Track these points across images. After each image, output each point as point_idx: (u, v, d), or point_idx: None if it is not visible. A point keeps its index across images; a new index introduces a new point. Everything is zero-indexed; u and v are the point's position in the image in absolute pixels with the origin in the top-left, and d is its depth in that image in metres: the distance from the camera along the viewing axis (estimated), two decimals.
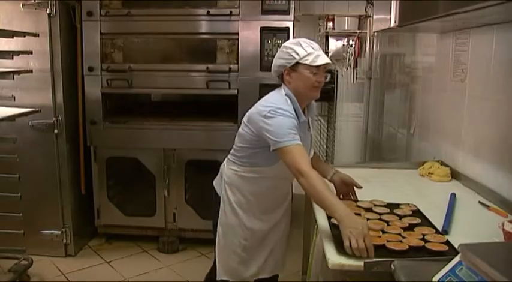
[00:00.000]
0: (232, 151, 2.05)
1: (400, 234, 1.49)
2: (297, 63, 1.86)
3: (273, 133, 1.77)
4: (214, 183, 2.14)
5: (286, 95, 1.91)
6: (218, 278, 2.08)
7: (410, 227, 1.57)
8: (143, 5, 3.20)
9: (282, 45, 1.94)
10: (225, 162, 2.09)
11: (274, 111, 1.80)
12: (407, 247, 1.38)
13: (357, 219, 1.50)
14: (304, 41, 1.89)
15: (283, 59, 1.90)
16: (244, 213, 2.02)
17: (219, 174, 2.12)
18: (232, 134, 3.22)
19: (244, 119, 1.97)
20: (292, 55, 1.86)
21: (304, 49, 1.86)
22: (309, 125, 2.03)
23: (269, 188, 2.02)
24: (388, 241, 1.42)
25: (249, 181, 1.98)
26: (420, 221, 1.63)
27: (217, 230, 2.07)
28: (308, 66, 1.85)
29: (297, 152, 1.72)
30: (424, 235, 1.48)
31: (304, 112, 1.94)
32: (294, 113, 1.84)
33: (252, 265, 2.07)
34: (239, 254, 2.05)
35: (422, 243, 1.41)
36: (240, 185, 2.01)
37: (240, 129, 2.00)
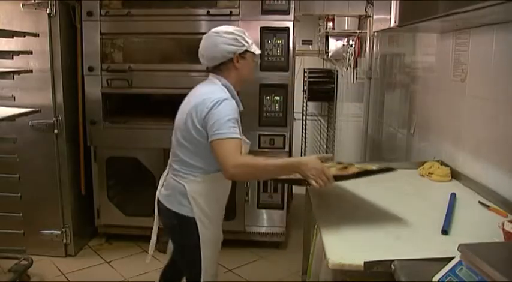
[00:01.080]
0: (179, 166, 1.90)
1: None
2: (246, 50, 1.89)
3: (218, 124, 1.73)
4: (170, 205, 1.92)
5: (223, 85, 1.90)
6: None
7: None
8: (143, 5, 3.21)
9: (221, 31, 1.87)
10: (173, 179, 1.92)
11: (219, 102, 1.78)
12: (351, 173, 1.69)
13: (310, 160, 1.65)
14: (242, 29, 1.93)
15: (233, 46, 1.86)
16: (219, 219, 2.00)
17: (169, 195, 1.94)
18: None
19: (183, 122, 1.85)
20: (241, 42, 1.87)
21: (248, 38, 1.91)
22: None
23: (228, 188, 2.01)
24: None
25: (217, 186, 1.91)
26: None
27: (201, 247, 1.89)
28: (253, 54, 1.92)
29: (234, 145, 1.71)
30: None
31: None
32: (234, 102, 1.85)
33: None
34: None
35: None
36: (209, 192, 1.89)
37: (182, 140, 1.87)
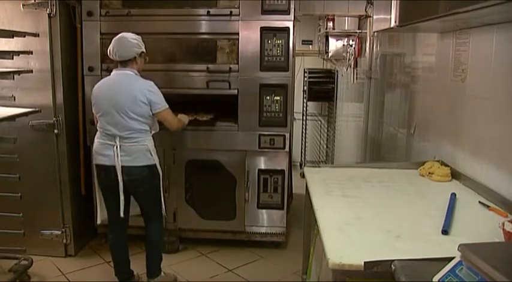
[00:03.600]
0: (136, 135, 2.62)
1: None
2: (142, 51, 2.69)
3: (158, 99, 2.65)
4: (140, 163, 2.64)
5: (138, 75, 2.69)
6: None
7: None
8: (143, 5, 3.21)
9: (126, 37, 2.63)
10: (135, 145, 2.63)
11: (152, 87, 2.66)
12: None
13: (182, 116, 2.99)
14: (138, 36, 2.70)
15: (139, 48, 2.65)
16: None
17: (136, 157, 2.63)
18: (233, 134, 3.27)
19: (133, 103, 2.58)
20: (141, 46, 2.67)
21: (142, 42, 2.69)
22: None
23: None
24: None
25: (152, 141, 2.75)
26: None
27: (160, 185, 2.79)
28: (144, 53, 2.73)
29: (170, 111, 2.73)
30: None
31: None
32: None
33: None
34: None
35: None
36: (153, 145, 2.73)
37: (135, 115, 2.59)
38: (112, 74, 2.70)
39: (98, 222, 2.91)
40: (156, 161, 2.71)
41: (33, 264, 2.97)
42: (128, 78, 2.65)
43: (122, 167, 2.60)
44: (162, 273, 2.91)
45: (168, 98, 3.54)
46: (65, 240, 3.28)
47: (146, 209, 2.82)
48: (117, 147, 2.59)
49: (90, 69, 3.25)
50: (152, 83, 2.67)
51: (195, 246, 3.46)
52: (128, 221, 2.83)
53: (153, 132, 2.74)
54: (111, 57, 2.66)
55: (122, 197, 2.64)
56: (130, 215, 2.84)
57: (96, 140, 2.71)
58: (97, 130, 2.71)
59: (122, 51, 2.61)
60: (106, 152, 2.63)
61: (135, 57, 2.65)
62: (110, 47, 2.63)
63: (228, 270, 3.17)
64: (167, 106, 2.68)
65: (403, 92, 3.20)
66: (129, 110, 2.58)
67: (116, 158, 2.60)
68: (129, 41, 2.62)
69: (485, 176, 1.98)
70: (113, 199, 2.69)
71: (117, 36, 2.64)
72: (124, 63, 2.65)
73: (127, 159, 2.61)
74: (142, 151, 2.64)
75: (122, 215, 2.67)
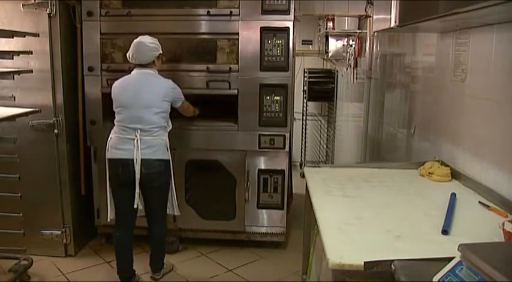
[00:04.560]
0: (157, 129, 2.77)
1: None
2: (160, 53, 2.84)
3: (179, 95, 2.89)
4: (159, 156, 2.77)
5: (158, 74, 2.86)
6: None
7: None
8: (143, 5, 3.21)
9: (144, 42, 2.77)
10: (155, 139, 2.76)
11: (174, 86, 2.86)
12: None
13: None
14: (155, 39, 2.86)
15: (157, 51, 2.80)
16: None
17: (156, 150, 2.76)
18: (233, 134, 3.27)
19: (159, 100, 2.76)
20: (158, 48, 2.82)
21: (159, 45, 2.84)
22: None
23: None
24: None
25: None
26: None
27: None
28: (162, 54, 2.88)
29: (186, 102, 2.99)
30: None
31: None
32: None
33: None
34: None
35: None
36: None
37: (159, 110, 2.76)
38: (133, 72, 2.81)
39: (109, 219, 2.91)
40: (169, 157, 2.85)
41: (33, 264, 2.97)
42: (151, 76, 2.80)
43: (141, 160, 2.69)
44: (164, 265, 3.02)
45: None
46: (65, 240, 3.28)
47: (154, 205, 2.86)
48: (137, 141, 2.69)
49: (90, 69, 3.25)
50: (172, 81, 2.84)
51: (195, 246, 3.46)
52: (135, 219, 2.87)
53: (168, 129, 2.86)
54: (130, 61, 2.79)
55: (137, 189, 2.71)
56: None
57: (113, 135, 2.79)
58: (113, 125, 2.82)
59: (141, 57, 2.76)
60: (124, 146, 2.72)
61: (154, 61, 2.80)
62: (129, 52, 2.76)
63: (228, 270, 3.17)
64: (184, 98, 2.92)
65: (403, 92, 3.20)
66: (155, 106, 2.73)
67: (136, 150, 2.69)
68: (147, 45, 2.75)
69: (485, 176, 1.98)
70: (126, 194, 2.74)
71: (135, 41, 2.76)
72: (143, 66, 2.79)
73: (147, 152, 2.71)
74: (161, 145, 2.77)
75: (135, 206, 2.73)
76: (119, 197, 2.82)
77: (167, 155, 2.81)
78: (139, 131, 2.71)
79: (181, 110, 2.98)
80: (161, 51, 2.83)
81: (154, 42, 2.81)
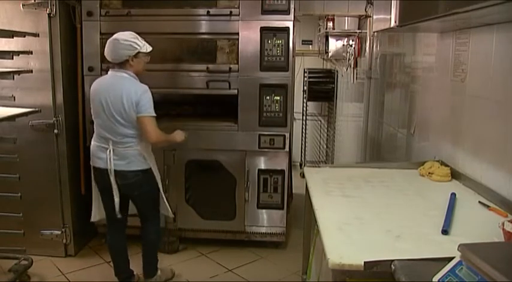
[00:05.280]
0: (127, 139, 2.57)
1: None
2: (138, 52, 2.54)
3: (145, 103, 2.50)
4: (133, 168, 2.61)
5: (133, 77, 2.58)
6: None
7: None
8: (143, 5, 3.21)
9: (120, 39, 2.51)
10: (127, 150, 2.59)
11: (144, 92, 2.53)
12: None
13: (177, 133, 2.81)
14: (135, 35, 2.57)
15: (131, 50, 2.51)
16: (155, 167, 2.76)
17: (129, 162, 2.60)
18: (233, 134, 3.27)
19: (127, 109, 2.51)
20: (134, 46, 2.52)
21: (140, 41, 2.55)
22: None
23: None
24: None
25: (148, 145, 2.67)
26: None
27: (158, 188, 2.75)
28: (145, 53, 2.58)
29: (154, 121, 2.56)
30: None
31: None
32: None
33: None
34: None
35: None
36: (147, 149, 2.67)
37: (124, 121, 2.53)
38: (108, 73, 2.64)
39: (92, 219, 2.89)
40: (152, 164, 2.68)
41: (33, 264, 2.97)
42: (120, 81, 2.56)
43: (115, 171, 2.57)
44: (159, 271, 2.91)
45: (167, 98, 3.54)
46: (65, 240, 3.28)
47: (143, 211, 2.79)
48: (110, 151, 2.56)
49: (90, 69, 3.25)
50: (146, 87, 2.55)
51: (195, 246, 3.46)
52: (126, 221, 2.83)
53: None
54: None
55: (116, 199, 2.61)
56: (128, 214, 2.83)
57: (92, 142, 2.71)
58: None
59: (113, 54, 2.54)
60: (101, 154, 2.61)
61: (127, 60, 2.54)
62: (105, 49, 2.59)
63: (228, 270, 3.17)
64: (153, 114, 2.53)
65: (403, 92, 3.20)
66: (119, 117, 2.52)
67: (108, 161, 2.56)
68: (120, 43, 2.51)
69: (485, 176, 1.98)
70: (109, 200, 2.66)
71: (111, 38, 2.55)
72: (118, 65, 2.58)
73: (121, 164, 2.58)
74: (136, 156, 2.59)
75: (118, 216, 2.64)
76: (105, 202, 2.75)
77: (145, 164, 2.62)
78: (111, 141, 2.57)
79: (142, 126, 2.52)
80: (142, 50, 2.54)
81: (131, 40, 2.52)
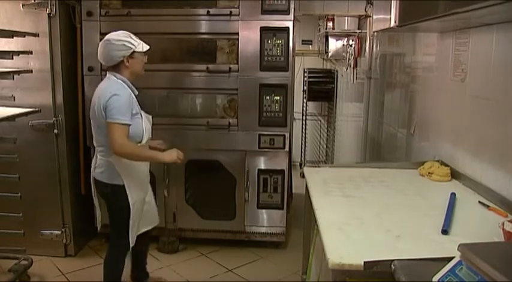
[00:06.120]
0: (103, 148, 2.40)
1: None
2: (133, 51, 2.34)
3: (114, 108, 2.25)
4: (104, 179, 2.42)
5: (119, 79, 2.36)
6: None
7: None
8: (143, 5, 3.21)
9: (112, 39, 2.31)
10: (102, 159, 2.41)
11: (112, 96, 2.26)
12: None
13: (169, 152, 2.48)
14: (128, 33, 2.37)
15: (121, 51, 2.31)
16: (142, 184, 2.54)
17: (102, 172, 2.42)
18: (233, 134, 3.27)
19: (99, 113, 2.30)
20: (128, 46, 2.32)
21: (135, 40, 2.36)
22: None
23: None
24: None
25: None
26: None
27: (130, 207, 2.39)
28: (141, 52, 2.38)
29: (122, 128, 2.25)
30: None
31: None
32: (129, 91, 2.36)
33: None
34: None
35: None
36: (128, 163, 2.37)
37: (97, 127, 2.36)
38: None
39: (98, 225, 2.78)
40: (127, 182, 2.36)
41: (33, 264, 2.97)
42: (103, 84, 2.39)
43: (92, 178, 2.51)
44: None
45: (167, 98, 3.53)
46: (64, 240, 3.28)
47: (110, 228, 2.53)
48: (94, 157, 2.50)
49: (90, 69, 3.25)
50: (118, 91, 2.29)
51: (195, 246, 3.46)
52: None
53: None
54: None
55: (96, 205, 2.58)
56: None
57: None
58: None
59: (106, 56, 2.34)
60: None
61: (122, 61, 2.34)
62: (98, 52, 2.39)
63: (228, 270, 3.17)
64: (121, 121, 2.24)
65: (403, 92, 3.20)
66: (93, 122, 2.39)
67: (92, 167, 2.52)
68: (113, 43, 2.31)
69: (485, 176, 1.98)
70: None
71: (102, 40, 2.36)
72: (112, 68, 2.38)
73: (96, 172, 2.46)
74: (107, 166, 2.38)
75: (96, 224, 2.57)
76: None
77: (116, 179, 2.36)
78: (94, 147, 2.48)
79: (108, 135, 2.26)
80: (138, 49, 2.35)
81: (124, 39, 2.32)
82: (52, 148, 3.18)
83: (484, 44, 2.00)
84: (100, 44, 2.36)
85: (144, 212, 2.54)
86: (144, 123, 2.40)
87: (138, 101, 2.43)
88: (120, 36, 2.33)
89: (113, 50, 2.31)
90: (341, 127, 5.07)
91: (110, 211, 2.49)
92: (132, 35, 2.38)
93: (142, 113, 2.44)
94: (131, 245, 2.46)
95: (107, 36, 2.35)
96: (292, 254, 3.33)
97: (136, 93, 2.43)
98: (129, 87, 2.38)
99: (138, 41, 2.39)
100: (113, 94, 2.26)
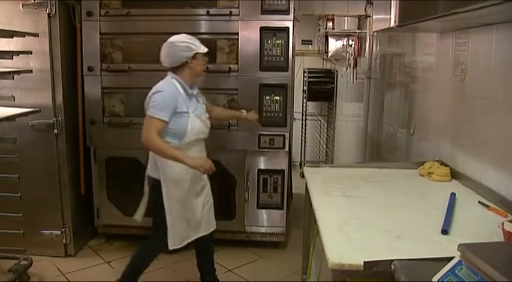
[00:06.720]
0: None
1: None
2: (196, 53, 2.43)
3: (153, 105, 2.36)
4: (149, 172, 2.53)
5: (173, 78, 2.45)
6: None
7: None
8: (143, 5, 3.21)
9: (176, 41, 2.42)
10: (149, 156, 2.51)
11: (155, 92, 2.39)
12: None
13: (194, 158, 2.40)
14: (190, 36, 2.47)
15: (186, 52, 2.41)
16: (186, 183, 2.55)
17: (151, 165, 2.52)
18: (233, 134, 3.27)
19: (145, 108, 2.42)
20: (192, 48, 2.42)
21: (197, 42, 2.46)
22: (196, 97, 2.56)
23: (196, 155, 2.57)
24: None
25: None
26: None
27: (165, 207, 2.46)
28: (202, 54, 2.47)
29: (155, 123, 2.34)
30: None
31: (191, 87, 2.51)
32: (182, 90, 2.43)
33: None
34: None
35: None
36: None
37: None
38: None
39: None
40: (164, 180, 2.44)
41: (33, 264, 2.97)
42: (158, 83, 2.48)
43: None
44: None
45: None
46: (64, 240, 3.28)
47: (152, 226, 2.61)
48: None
49: (90, 69, 3.25)
50: (165, 88, 2.41)
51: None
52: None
53: (176, 142, 2.43)
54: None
55: (143, 202, 2.58)
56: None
57: None
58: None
59: (170, 58, 2.44)
60: None
61: (186, 62, 2.43)
62: (161, 54, 2.48)
63: (228, 270, 3.17)
64: (156, 116, 2.34)
65: (402, 92, 3.21)
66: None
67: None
68: (177, 45, 2.41)
69: (485, 176, 1.98)
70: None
71: (166, 42, 2.46)
72: (175, 69, 2.46)
73: (148, 167, 2.55)
74: (152, 161, 2.50)
75: (136, 218, 2.60)
76: None
77: (156, 173, 2.46)
78: None
79: (143, 127, 2.38)
80: (199, 51, 2.43)
81: (188, 41, 2.42)
82: (52, 148, 3.18)
83: (483, 44, 2.00)
84: (164, 46, 2.45)
85: (195, 216, 2.61)
86: (191, 123, 2.43)
87: (190, 101, 2.47)
88: (184, 39, 2.44)
89: (178, 52, 2.41)
90: (341, 127, 5.07)
91: (152, 203, 2.55)
92: (193, 38, 2.47)
93: (195, 113, 2.46)
94: (171, 247, 2.51)
95: (170, 39, 2.45)
96: (292, 254, 3.33)
97: (191, 92, 2.48)
98: (182, 87, 2.44)
99: (199, 43, 2.48)
100: (158, 91, 2.40)
